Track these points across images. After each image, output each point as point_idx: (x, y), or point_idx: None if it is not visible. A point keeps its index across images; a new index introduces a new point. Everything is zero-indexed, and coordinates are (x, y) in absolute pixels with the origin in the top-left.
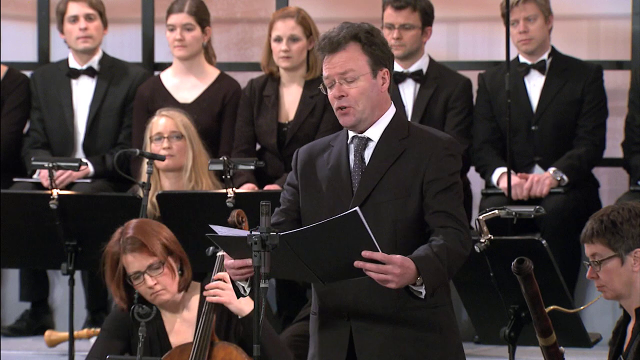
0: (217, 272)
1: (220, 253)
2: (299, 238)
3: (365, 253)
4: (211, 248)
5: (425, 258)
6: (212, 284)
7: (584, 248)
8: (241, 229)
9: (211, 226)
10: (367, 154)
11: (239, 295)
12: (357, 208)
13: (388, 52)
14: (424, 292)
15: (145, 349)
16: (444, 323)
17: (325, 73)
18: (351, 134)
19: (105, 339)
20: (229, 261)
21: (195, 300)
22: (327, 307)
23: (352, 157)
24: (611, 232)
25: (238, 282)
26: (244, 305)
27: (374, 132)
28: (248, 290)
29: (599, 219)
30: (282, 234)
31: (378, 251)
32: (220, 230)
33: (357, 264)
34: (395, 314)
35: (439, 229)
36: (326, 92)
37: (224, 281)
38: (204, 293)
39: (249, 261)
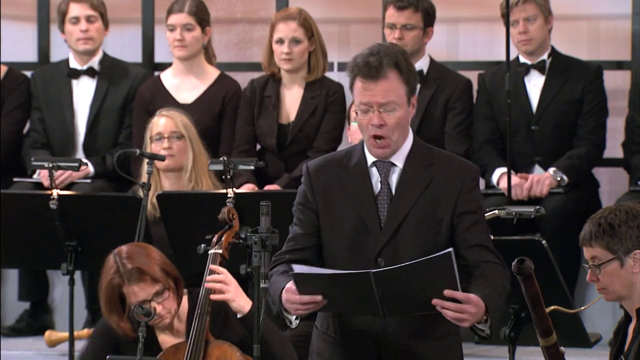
0: (210, 271)
1: (212, 251)
2: (390, 276)
3: (448, 292)
4: (202, 246)
5: (491, 297)
6: (215, 277)
7: (583, 250)
8: (232, 225)
9: (293, 265)
10: (393, 180)
11: (285, 327)
12: (451, 249)
13: (415, 74)
14: (487, 331)
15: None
16: (457, 349)
17: (363, 99)
18: (371, 157)
19: (94, 345)
20: (292, 296)
21: (184, 310)
22: (351, 331)
23: (375, 181)
24: (609, 234)
25: (287, 315)
26: (245, 304)
27: (399, 158)
28: (295, 324)
29: (597, 221)
30: (373, 271)
31: (459, 290)
32: (298, 268)
33: (436, 302)
34: (421, 335)
35: (483, 263)
36: (356, 114)
37: (225, 282)
38: (207, 285)
39: (318, 297)
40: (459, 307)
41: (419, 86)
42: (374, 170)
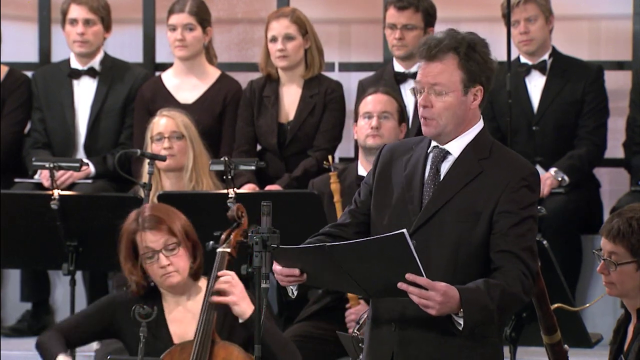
0: (217, 267)
1: (220, 249)
2: (344, 251)
3: (409, 276)
4: (211, 243)
5: (473, 291)
6: (222, 279)
7: (586, 246)
8: (240, 223)
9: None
10: (444, 167)
11: (287, 296)
12: (404, 230)
13: (487, 68)
14: (462, 325)
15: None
16: (488, 355)
17: (418, 78)
18: (433, 143)
19: (90, 312)
20: (277, 267)
21: (201, 294)
22: (379, 313)
23: (428, 167)
24: (637, 237)
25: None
26: (247, 308)
27: (455, 146)
28: (296, 293)
29: (628, 221)
30: (328, 245)
31: (422, 275)
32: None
33: (400, 285)
34: (442, 332)
35: (503, 269)
36: (415, 95)
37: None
38: (214, 291)
39: (295, 271)
40: (422, 293)
41: None
42: (431, 156)
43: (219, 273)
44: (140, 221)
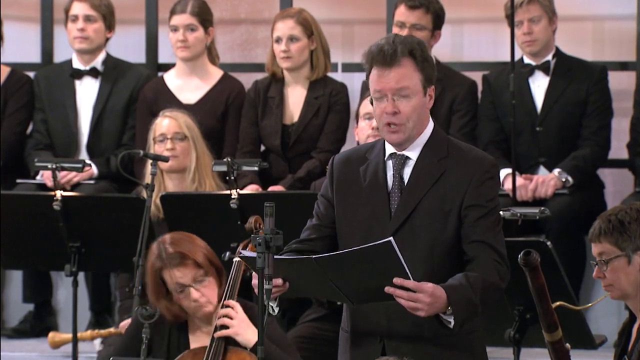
0: (233, 277)
1: (236, 258)
2: (332, 262)
3: (397, 280)
4: (227, 253)
5: (457, 288)
6: (221, 311)
7: (589, 247)
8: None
9: (241, 251)
10: (406, 172)
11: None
12: (391, 238)
13: (435, 68)
14: (452, 323)
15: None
16: (476, 348)
17: (377, 86)
18: (389, 150)
19: (125, 340)
20: (255, 281)
21: None
22: (360, 326)
23: (389, 174)
24: (619, 231)
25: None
26: (251, 337)
27: (413, 150)
28: (277, 310)
29: (607, 218)
30: (315, 257)
31: (409, 279)
32: (248, 253)
33: (388, 289)
34: (429, 337)
35: (477, 259)
36: (372, 104)
37: (231, 316)
38: (215, 333)
39: (278, 281)
40: (410, 295)
41: None
42: (389, 163)
43: (226, 302)
44: (165, 258)
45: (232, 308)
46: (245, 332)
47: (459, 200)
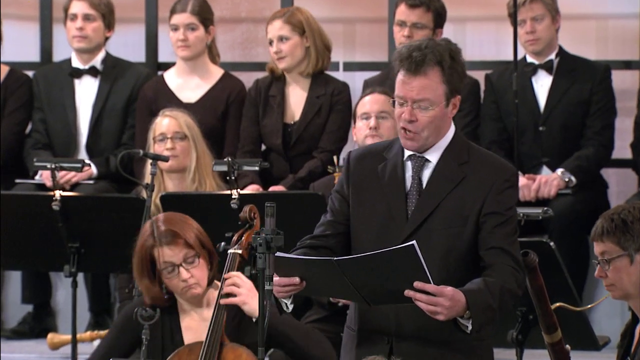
0: (228, 270)
1: (231, 250)
2: (353, 264)
3: (418, 284)
4: (222, 244)
5: (477, 292)
6: (227, 281)
7: (592, 247)
8: (252, 225)
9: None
10: (425, 175)
11: (281, 311)
12: (414, 242)
13: (464, 75)
14: (470, 327)
15: (157, 344)
16: (485, 357)
17: (399, 92)
18: (407, 151)
19: (113, 335)
20: (274, 278)
21: (214, 296)
22: (368, 325)
23: (408, 176)
24: (621, 230)
25: (281, 299)
26: (257, 306)
27: (433, 153)
28: (291, 307)
29: (610, 217)
30: (336, 259)
31: (430, 282)
32: (279, 254)
33: (408, 293)
34: (439, 340)
35: (495, 265)
36: (394, 105)
37: (238, 285)
38: (220, 299)
39: (295, 279)
40: (430, 299)
41: None
42: (409, 164)
43: (225, 275)
44: (157, 236)
45: (235, 277)
46: (253, 300)
47: (478, 207)
